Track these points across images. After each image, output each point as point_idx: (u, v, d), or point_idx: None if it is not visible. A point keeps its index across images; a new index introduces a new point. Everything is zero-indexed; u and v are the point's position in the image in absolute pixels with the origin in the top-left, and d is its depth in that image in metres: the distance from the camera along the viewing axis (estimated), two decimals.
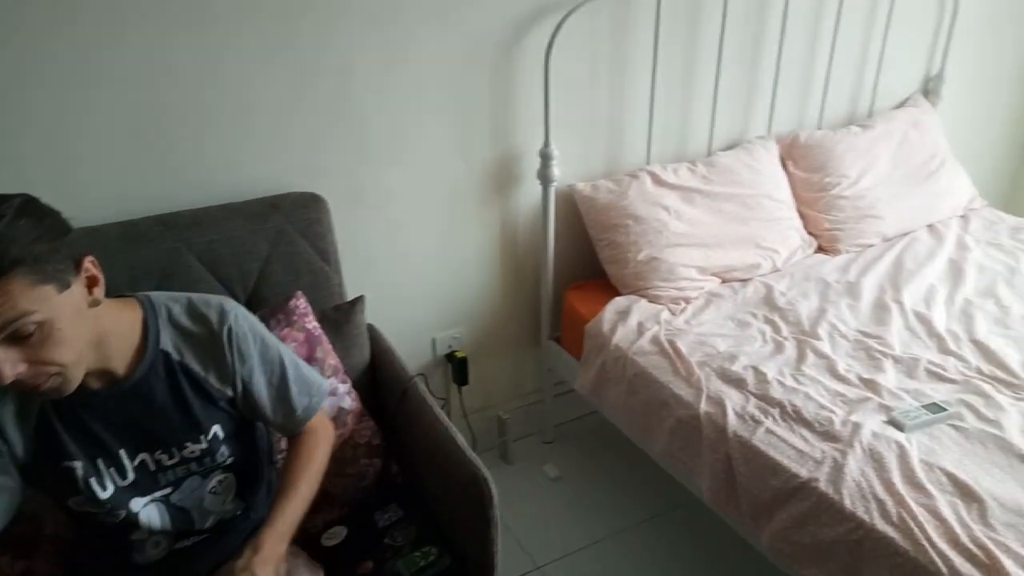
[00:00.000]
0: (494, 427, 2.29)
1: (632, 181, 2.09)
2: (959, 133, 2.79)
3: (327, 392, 1.32)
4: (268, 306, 1.52)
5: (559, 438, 2.40)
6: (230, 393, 1.16)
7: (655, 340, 1.85)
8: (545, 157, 1.99)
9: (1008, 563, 1.16)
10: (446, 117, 1.89)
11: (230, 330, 1.14)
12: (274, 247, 1.61)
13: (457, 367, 2.16)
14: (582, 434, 2.42)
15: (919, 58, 2.63)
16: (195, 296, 1.17)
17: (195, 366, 1.13)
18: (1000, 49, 2.79)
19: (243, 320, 1.18)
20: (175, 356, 1.12)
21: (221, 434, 1.16)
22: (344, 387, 1.50)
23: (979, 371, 1.67)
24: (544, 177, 2.01)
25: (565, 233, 2.16)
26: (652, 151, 2.20)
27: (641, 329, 1.89)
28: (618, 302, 2.01)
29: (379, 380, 1.68)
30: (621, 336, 1.89)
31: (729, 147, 2.32)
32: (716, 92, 2.23)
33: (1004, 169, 3.09)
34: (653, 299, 2.00)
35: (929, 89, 2.68)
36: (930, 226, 2.41)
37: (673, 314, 1.96)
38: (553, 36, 1.87)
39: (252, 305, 1.55)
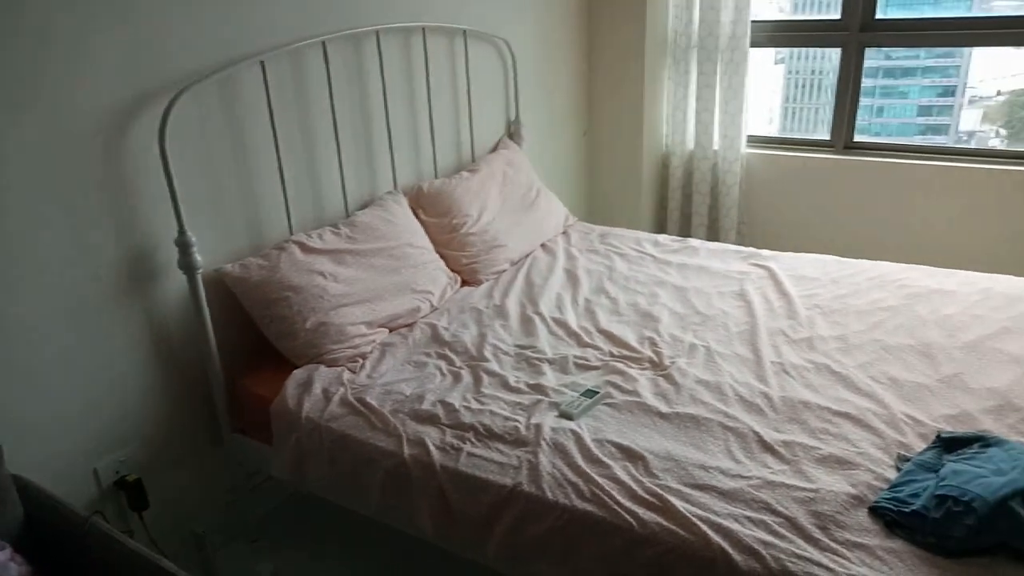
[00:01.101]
0: (191, 545, 2.07)
1: (281, 253, 2.09)
2: (544, 165, 3.34)
3: None
4: None
5: (266, 532, 2.26)
6: None
7: (344, 402, 1.87)
8: (183, 245, 1.89)
9: (674, 500, 1.45)
10: (54, 225, 1.69)
11: None
12: None
13: (132, 493, 1.91)
14: (291, 520, 2.31)
15: (499, 107, 3.09)
16: None
17: None
18: (555, 92, 3.40)
19: None
20: None
21: None
22: (4, 554, 1.25)
23: (611, 354, 2.03)
24: (187, 266, 1.91)
25: (224, 319, 2.06)
26: (293, 220, 2.23)
27: (327, 395, 1.91)
28: (297, 375, 1.99)
29: (45, 535, 1.42)
30: (309, 407, 1.88)
31: (364, 206, 2.45)
32: (340, 158, 2.35)
33: (579, 188, 3.76)
34: (331, 363, 2.02)
35: (512, 132, 3.16)
36: (543, 245, 2.83)
37: (354, 372, 2.01)
38: (164, 121, 1.79)
39: None
